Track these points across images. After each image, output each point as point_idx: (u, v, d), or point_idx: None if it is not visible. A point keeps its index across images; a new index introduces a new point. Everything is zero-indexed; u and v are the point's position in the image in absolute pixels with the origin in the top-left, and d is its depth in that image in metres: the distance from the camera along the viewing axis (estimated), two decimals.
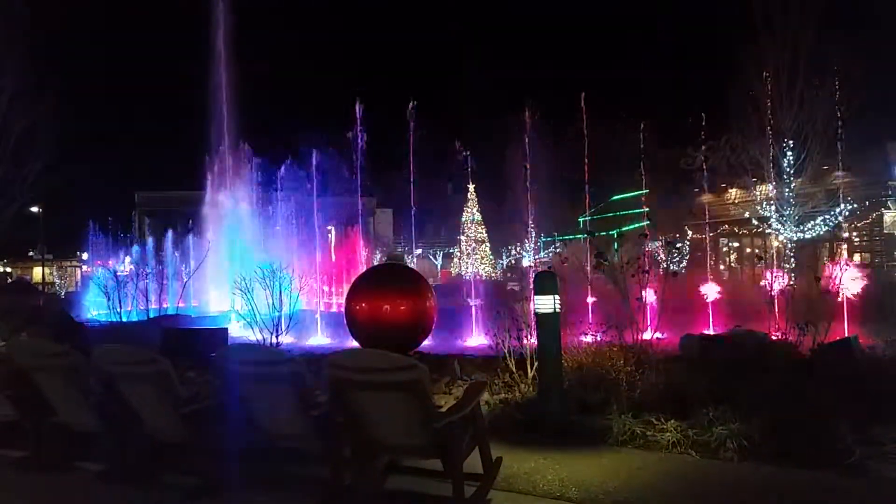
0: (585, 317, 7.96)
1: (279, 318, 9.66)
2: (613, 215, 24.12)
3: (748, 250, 28.80)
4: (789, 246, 20.28)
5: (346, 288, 11.51)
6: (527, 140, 17.62)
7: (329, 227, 26.90)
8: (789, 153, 19.46)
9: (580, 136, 14.72)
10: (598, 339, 7.02)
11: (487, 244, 38.18)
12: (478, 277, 24.48)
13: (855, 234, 24.34)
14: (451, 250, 42.07)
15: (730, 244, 31.46)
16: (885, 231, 24.36)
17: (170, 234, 26.20)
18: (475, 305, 12.10)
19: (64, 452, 5.26)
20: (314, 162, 20.17)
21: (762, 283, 11.25)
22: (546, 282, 5.72)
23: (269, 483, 4.56)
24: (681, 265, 23.28)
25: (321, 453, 4.44)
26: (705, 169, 18.28)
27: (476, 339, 10.89)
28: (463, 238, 37.82)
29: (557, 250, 25.08)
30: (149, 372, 4.54)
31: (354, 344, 8.01)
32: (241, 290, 9.81)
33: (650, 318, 7.13)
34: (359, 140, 19.42)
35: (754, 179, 21.60)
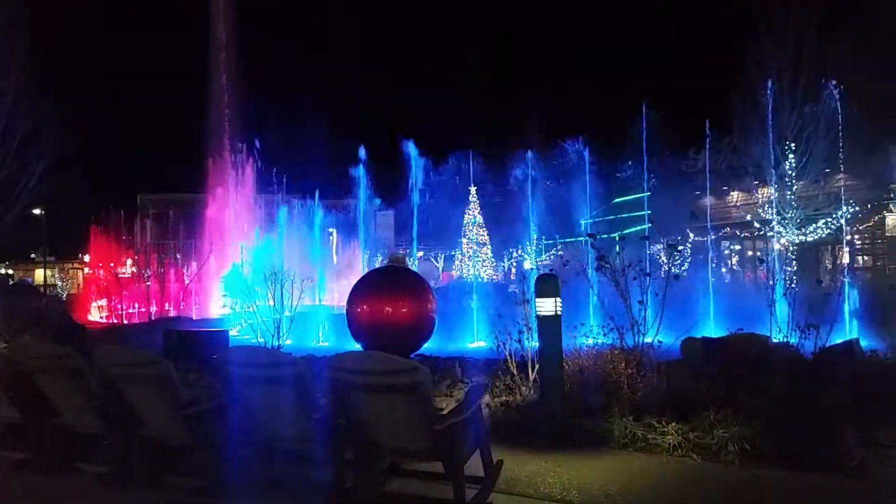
0: (587, 319, 7.95)
1: (280, 320, 9.66)
2: (615, 218, 24.13)
3: (750, 253, 28.78)
4: (791, 249, 20.27)
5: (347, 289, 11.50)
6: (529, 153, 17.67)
7: (330, 230, 26.92)
8: (791, 156, 19.46)
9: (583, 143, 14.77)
10: (600, 341, 7.01)
11: (489, 247, 38.14)
12: (480, 280, 24.49)
13: (857, 237, 24.31)
14: (452, 252, 42.01)
15: (731, 247, 31.44)
16: (888, 234, 24.33)
17: (171, 236, 26.23)
18: (476, 308, 12.10)
19: (66, 454, 5.27)
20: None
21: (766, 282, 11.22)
22: (547, 284, 5.71)
23: (271, 485, 4.55)
24: (682, 268, 23.25)
25: (323, 455, 4.43)
26: (707, 171, 18.30)
27: (477, 341, 10.88)
28: (464, 241, 37.79)
29: (559, 253, 25.09)
30: (150, 374, 4.56)
31: (356, 346, 8.00)
32: (241, 291, 9.81)
33: (652, 320, 7.11)
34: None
35: (756, 182, 21.60)
